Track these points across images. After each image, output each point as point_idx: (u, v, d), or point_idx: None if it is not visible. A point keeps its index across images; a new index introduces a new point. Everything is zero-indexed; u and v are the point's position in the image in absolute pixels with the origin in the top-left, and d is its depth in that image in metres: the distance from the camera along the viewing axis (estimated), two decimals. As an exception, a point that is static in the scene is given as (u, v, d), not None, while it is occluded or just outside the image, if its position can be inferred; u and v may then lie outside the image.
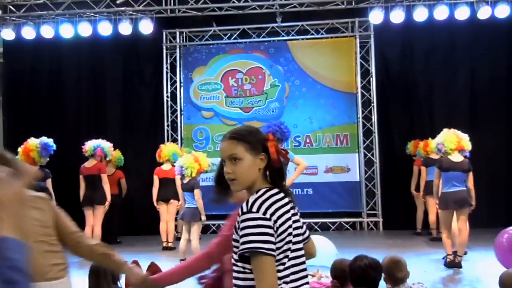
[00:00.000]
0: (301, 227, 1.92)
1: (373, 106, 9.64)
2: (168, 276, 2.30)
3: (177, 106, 10.08)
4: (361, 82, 9.71)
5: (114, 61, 10.12)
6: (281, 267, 1.76)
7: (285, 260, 1.78)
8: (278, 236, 1.75)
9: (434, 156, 7.50)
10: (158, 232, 7.95)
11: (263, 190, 1.83)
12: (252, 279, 1.74)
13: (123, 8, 9.05)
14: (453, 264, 5.94)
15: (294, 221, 1.85)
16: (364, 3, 9.09)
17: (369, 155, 9.63)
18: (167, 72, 10.12)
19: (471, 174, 6.08)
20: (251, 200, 1.80)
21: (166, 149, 8.07)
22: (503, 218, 8.92)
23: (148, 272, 2.63)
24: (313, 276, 4.61)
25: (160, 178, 7.88)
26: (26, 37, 9.24)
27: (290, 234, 1.80)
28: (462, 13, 8.54)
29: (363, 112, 9.69)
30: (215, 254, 2.28)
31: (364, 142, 9.65)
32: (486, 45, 9.37)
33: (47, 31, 9.15)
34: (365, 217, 9.52)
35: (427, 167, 7.87)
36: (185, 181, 6.40)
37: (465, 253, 6.23)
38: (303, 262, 1.87)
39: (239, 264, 1.78)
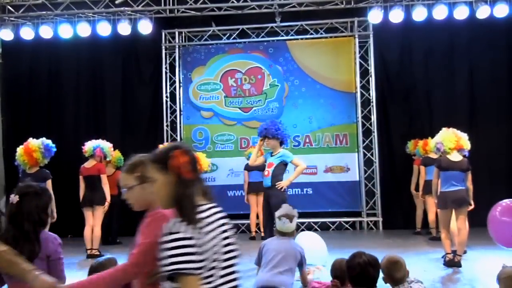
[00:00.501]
0: (233, 244, 1.91)
1: (373, 105, 9.64)
2: (79, 286, 2.22)
3: (176, 106, 10.08)
4: (360, 82, 9.71)
5: (113, 62, 10.12)
6: (208, 286, 1.76)
7: (212, 278, 1.78)
8: (203, 254, 1.75)
9: (433, 156, 7.49)
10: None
11: None
12: None
13: (122, 8, 9.05)
14: (453, 263, 5.94)
15: (225, 238, 1.86)
16: (363, 2, 9.09)
17: (368, 154, 9.63)
18: (166, 72, 10.12)
19: (470, 173, 6.08)
20: (174, 219, 1.80)
21: None
22: (502, 217, 8.93)
23: None
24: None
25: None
26: (24, 38, 9.23)
27: (215, 252, 1.80)
28: (461, 13, 8.55)
29: (362, 112, 9.70)
30: (135, 265, 2.19)
31: (364, 141, 9.65)
32: (485, 44, 9.37)
33: (46, 32, 9.14)
34: (365, 217, 9.52)
35: (426, 166, 7.87)
36: None
37: (465, 252, 6.22)
38: (236, 279, 1.88)
39: (167, 284, 1.77)
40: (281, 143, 6.41)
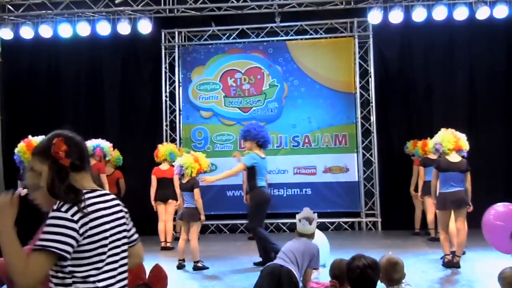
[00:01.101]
0: (126, 230, 1.94)
1: (372, 106, 9.65)
2: None
3: (175, 106, 10.07)
4: (360, 82, 9.71)
5: (112, 61, 10.11)
6: (94, 272, 1.78)
7: (100, 264, 1.79)
8: (87, 238, 1.75)
9: (432, 156, 7.50)
10: (156, 232, 7.95)
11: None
12: (64, 278, 1.76)
13: (121, 8, 9.05)
14: (451, 264, 5.94)
15: (115, 226, 1.86)
16: (363, 3, 9.09)
17: (367, 155, 9.63)
18: (165, 72, 10.11)
19: (469, 174, 6.08)
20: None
21: (163, 148, 8.07)
22: (501, 218, 8.92)
23: (151, 274, 2.60)
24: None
25: (158, 178, 7.87)
26: (24, 37, 9.23)
27: (105, 238, 1.80)
28: (461, 14, 8.55)
29: (361, 112, 9.70)
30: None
31: (363, 142, 9.65)
32: (484, 45, 9.39)
33: (45, 31, 9.14)
34: (364, 217, 9.52)
35: (425, 167, 7.87)
36: (184, 180, 6.40)
37: (464, 253, 6.23)
38: (124, 265, 1.90)
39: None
40: (261, 146, 6.48)
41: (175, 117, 10.07)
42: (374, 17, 8.83)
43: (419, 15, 8.61)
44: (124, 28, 9.05)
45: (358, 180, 9.55)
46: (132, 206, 9.90)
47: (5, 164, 9.83)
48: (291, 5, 9.14)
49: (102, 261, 1.80)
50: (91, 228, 1.77)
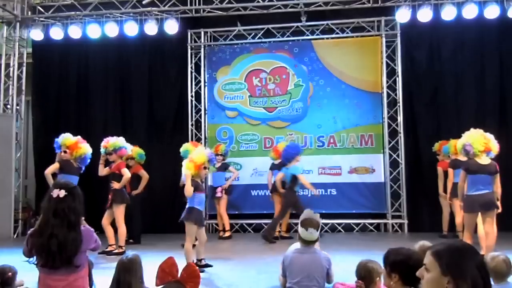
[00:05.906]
0: None
1: (399, 106, 9.50)
2: None
3: (201, 106, 10.13)
4: (387, 82, 9.58)
5: (139, 61, 10.25)
6: None
7: None
8: None
9: (462, 158, 7.32)
10: (180, 231, 7.99)
11: None
12: None
13: (149, 9, 9.18)
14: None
15: None
16: (391, 1, 8.97)
17: (394, 155, 9.49)
18: (191, 72, 10.19)
19: (497, 176, 5.93)
20: None
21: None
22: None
23: (184, 273, 2.65)
24: None
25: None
26: (54, 38, 9.47)
27: None
28: (492, 12, 8.35)
29: (388, 112, 9.56)
30: None
31: (390, 142, 9.51)
32: (516, 44, 9.15)
33: (74, 32, 9.35)
34: (390, 219, 9.39)
35: (455, 169, 7.69)
36: None
37: (493, 256, 6.07)
38: None
39: None
40: None
41: (200, 116, 10.13)
42: (402, 15, 8.70)
43: (448, 13, 8.45)
44: (151, 28, 9.17)
45: (384, 181, 9.43)
46: (159, 204, 9.99)
47: (36, 162, 10.08)
48: (317, 4, 9.10)
49: None
50: None
